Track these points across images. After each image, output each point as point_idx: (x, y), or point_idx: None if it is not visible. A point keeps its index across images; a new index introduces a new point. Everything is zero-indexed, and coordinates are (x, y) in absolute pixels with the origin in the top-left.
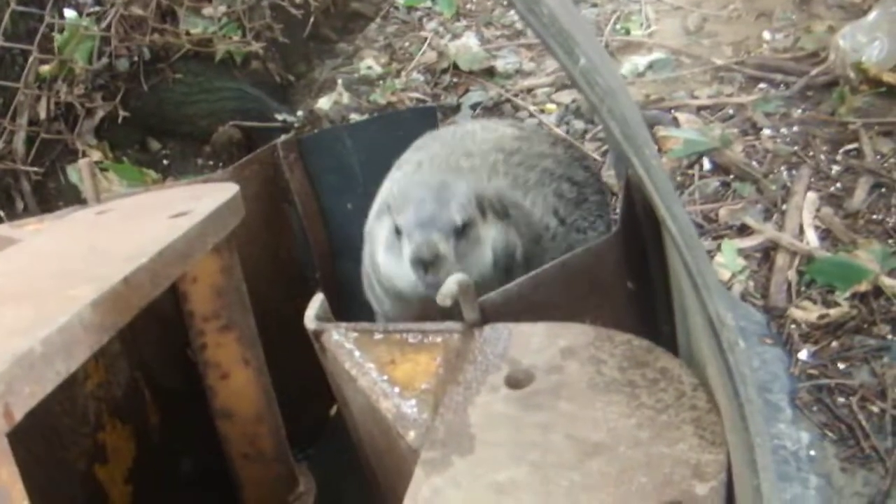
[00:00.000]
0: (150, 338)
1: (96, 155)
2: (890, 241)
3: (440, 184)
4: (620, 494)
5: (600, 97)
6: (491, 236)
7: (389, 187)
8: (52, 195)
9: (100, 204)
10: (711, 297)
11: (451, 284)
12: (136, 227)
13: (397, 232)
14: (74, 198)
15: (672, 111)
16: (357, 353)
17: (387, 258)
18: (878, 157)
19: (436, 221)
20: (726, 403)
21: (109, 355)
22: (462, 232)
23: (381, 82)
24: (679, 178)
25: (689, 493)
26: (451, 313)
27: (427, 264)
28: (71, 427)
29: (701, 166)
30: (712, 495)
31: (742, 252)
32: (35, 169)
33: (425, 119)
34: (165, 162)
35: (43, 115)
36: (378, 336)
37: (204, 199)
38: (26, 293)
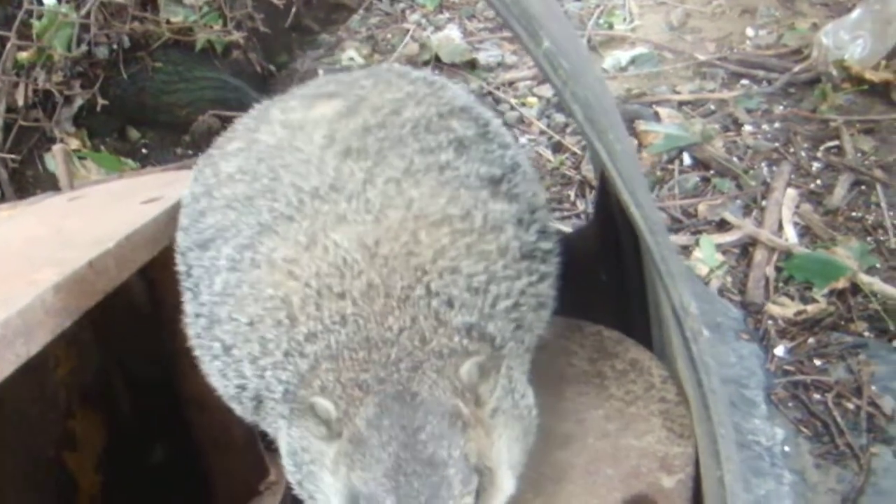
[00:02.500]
0: (121, 327)
1: (74, 143)
2: (869, 238)
3: (412, 409)
4: (587, 486)
5: (563, 80)
6: (504, 445)
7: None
8: (30, 183)
9: (73, 190)
10: (675, 285)
11: None
12: (107, 212)
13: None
14: (52, 186)
15: (653, 106)
16: None
17: None
18: (859, 154)
19: None
20: (693, 395)
21: (81, 343)
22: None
23: None
24: (659, 173)
25: (656, 486)
26: None
27: None
28: (41, 414)
29: (681, 161)
30: (679, 488)
31: (720, 247)
32: (12, 156)
33: None
34: (144, 151)
35: (21, 102)
36: None
37: (175, 185)
38: None
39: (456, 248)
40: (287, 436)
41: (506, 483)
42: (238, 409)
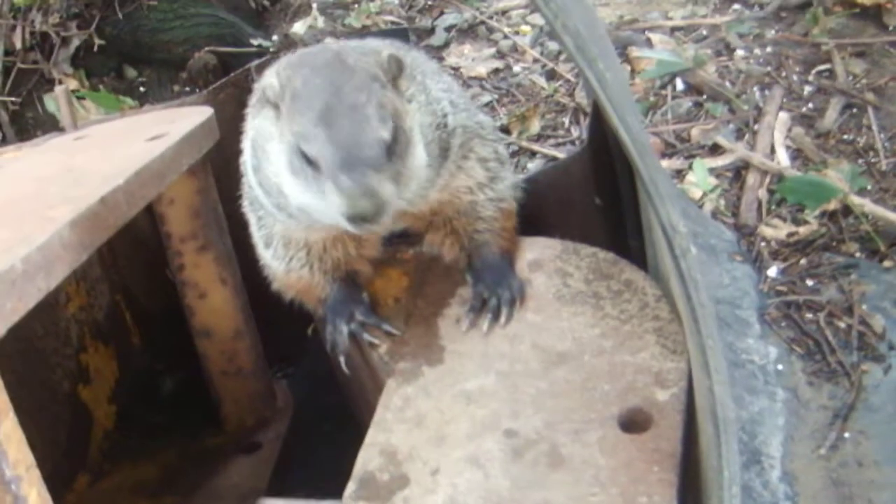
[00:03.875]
0: (130, 261)
1: (73, 84)
2: (860, 160)
3: (339, 71)
4: (585, 401)
5: (554, 13)
6: (416, 121)
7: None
8: (30, 125)
9: (77, 130)
10: (664, 205)
11: None
12: (113, 150)
13: (307, 160)
14: (52, 127)
15: (646, 32)
16: None
17: (298, 190)
18: (850, 77)
19: (365, 154)
20: (683, 310)
21: (90, 279)
22: (392, 143)
23: (356, 6)
24: (652, 99)
25: (651, 400)
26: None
27: (369, 217)
28: (55, 349)
29: (674, 87)
30: (673, 401)
31: (713, 171)
32: (12, 99)
33: (397, 40)
34: (142, 89)
35: (18, 44)
36: None
37: (179, 122)
38: (6, 216)
39: None
40: (250, 129)
41: (420, 150)
42: None
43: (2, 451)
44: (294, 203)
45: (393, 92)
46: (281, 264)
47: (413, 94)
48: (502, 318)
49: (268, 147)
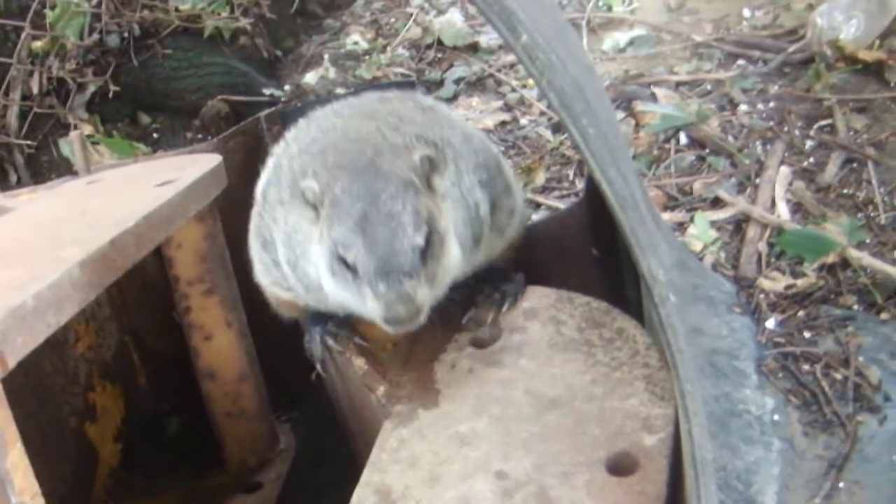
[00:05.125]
0: (138, 304)
1: (87, 129)
2: (859, 214)
3: (375, 178)
4: (574, 444)
5: (540, 71)
6: (450, 219)
7: (297, 154)
8: (45, 168)
9: (90, 174)
10: (644, 255)
11: None
12: (124, 194)
13: (345, 265)
14: (66, 170)
15: (651, 87)
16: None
17: (338, 290)
18: (852, 132)
19: (401, 261)
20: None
21: (99, 320)
22: (426, 247)
23: (366, 57)
24: (655, 152)
25: (638, 444)
26: None
27: (405, 320)
28: (63, 387)
29: (677, 140)
30: (660, 446)
31: (715, 224)
32: (28, 142)
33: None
34: (155, 136)
35: (35, 89)
36: None
37: (188, 168)
38: (20, 255)
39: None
40: (284, 223)
41: (454, 249)
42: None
43: (8, 478)
44: (332, 300)
45: (427, 195)
46: (266, 280)
47: (447, 189)
48: (505, 306)
49: (308, 248)
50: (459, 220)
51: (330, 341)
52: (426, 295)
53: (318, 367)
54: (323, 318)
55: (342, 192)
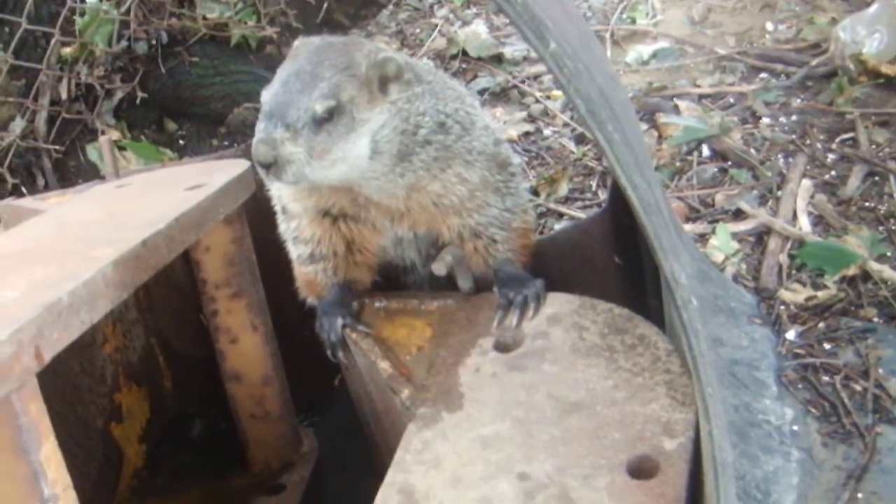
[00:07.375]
0: (165, 306)
1: (115, 135)
2: (880, 227)
3: (325, 53)
4: (595, 448)
5: (568, 78)
6: (375, 120)
7: None
8: (72, 173)
9: (119, 179)
10: (667, 259)
11: (445, 256)
12: (154, 198)
13: None
14: (93, 175)
15: (674, 99)
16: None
17: None
18: (873, 146)
19: (286, 112)
20: (688, 359)
21: (127, 322)
22: (329, 119)
23: None
24: (678, 164)
25: (659, 448)
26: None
27: (267, 165)
28: (90, 387)
29: (700, 153)
30: (680, 450)
31: (736, 236)
32: (56, 147)
33: None
34: (181, 142)
35: (64, 95)
36: (378, 304)
37: (217, 173)
38: (53, 255)
39: None
40: None
41: (362, 142)
42: None
43: (42, 470)
44: None
45: (363, 85)
46: (294, 255)
47: (397, 99)
48: (529, 312)
49: None
50: (390, 126)
51: (350, 332)
52: (292, 153)
53: (329, 353)
54: (336, 311)
55: (296, 50)
